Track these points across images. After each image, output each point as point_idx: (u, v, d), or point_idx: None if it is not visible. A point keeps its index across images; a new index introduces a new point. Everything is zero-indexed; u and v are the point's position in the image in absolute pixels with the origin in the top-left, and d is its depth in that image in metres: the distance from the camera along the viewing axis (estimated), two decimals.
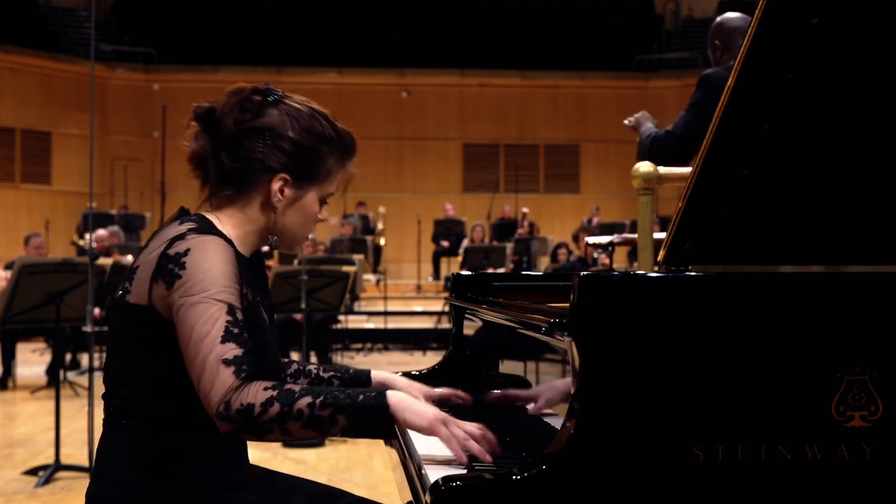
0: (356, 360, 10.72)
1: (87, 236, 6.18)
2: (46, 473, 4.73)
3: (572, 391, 1.46)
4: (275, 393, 1.58)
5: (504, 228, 15.94)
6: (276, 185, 1.79)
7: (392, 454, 2.08)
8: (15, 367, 8.64)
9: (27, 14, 18.21)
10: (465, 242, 14.89)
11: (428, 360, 10.76)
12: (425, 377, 2.51)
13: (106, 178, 17.37)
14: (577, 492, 1.39)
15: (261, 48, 18.52)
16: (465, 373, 2.50)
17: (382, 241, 16.10)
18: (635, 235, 3.10)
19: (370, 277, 14.15)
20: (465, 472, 1.50)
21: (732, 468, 1.42)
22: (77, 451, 5.29)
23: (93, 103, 4.75)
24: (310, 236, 11.07)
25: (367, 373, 2.12)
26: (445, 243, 15.65)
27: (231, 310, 1.64)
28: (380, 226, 16.32)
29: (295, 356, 9.07)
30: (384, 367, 10.31)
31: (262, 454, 5.20)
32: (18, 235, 12.70)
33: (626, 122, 3.75)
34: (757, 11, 1.45)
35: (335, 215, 16.55)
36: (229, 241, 1.73)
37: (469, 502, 1.39)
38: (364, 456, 5.39)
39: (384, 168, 18.55)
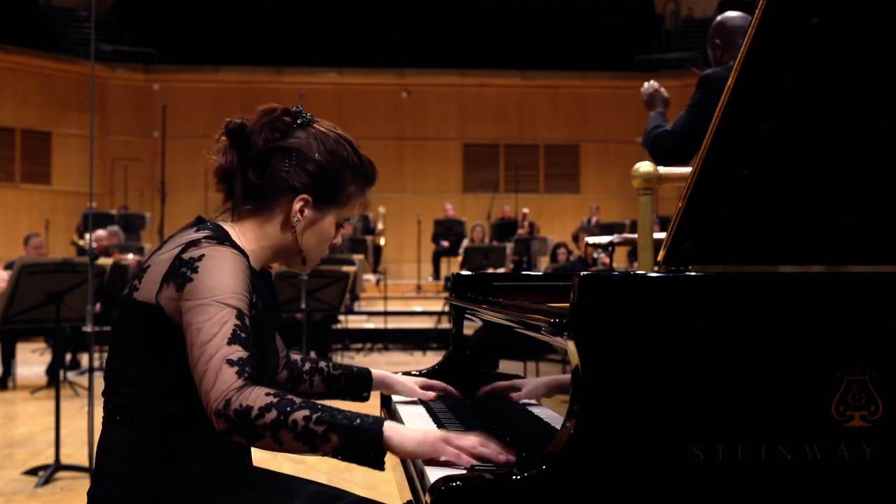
0: (356, 360, 10.72)
1: (87, 236, 6.19)
2: (46, 473, 4.73)
3: (572, 391, 1.46)
4: (275, 400, 1.58)
5: (504, 228, 15.94)
6: (297, 205, 1.82)
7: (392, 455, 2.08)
8: (15, 367, 8.64)
9: (27, 14, 18.21)
10: (465, 242, 14.89)
11: (428, 360, 10.76)
12: (425, 377, 2.51)
13: (106, 178, 17.37)
14: (577, 492, 1.40)
15: (261, 48, 18.52)
16: (465, 373, 2.50)
17: (382, 241, 16.10)
18: (635, 235, 3.10)
19: (370, 277, 14.15)
20: (465, 472, 1.50)
21: (732, 468, 1.42)
22: (77, 451, 5.29)
23: (93, 103, 4.75)
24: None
25: (368, 371, 2.20)
26: (445, 243, 15.66)
27: (240, 315, 1.64)
28: (380, 226, 16.32)
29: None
30: (384, 367, 10.29)
31: (262, 454, 5.19)
32: (18, 235, 12.71)
33: (642, 87, 3.74)
34: (757, 11, 1.45)
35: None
36: (243, 253, 1.74)
37: (469, 502, 1.39)
38: None
39: (384, 168, 18.39)
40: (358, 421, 1.58)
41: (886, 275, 1.54)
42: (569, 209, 18.35)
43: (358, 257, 11.48)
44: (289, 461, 5.16)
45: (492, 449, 1.59)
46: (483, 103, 18.93)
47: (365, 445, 1.58)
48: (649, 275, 1.48)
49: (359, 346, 11.93)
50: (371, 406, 2.17)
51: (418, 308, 13.94)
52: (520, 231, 15.37)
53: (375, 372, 2.22)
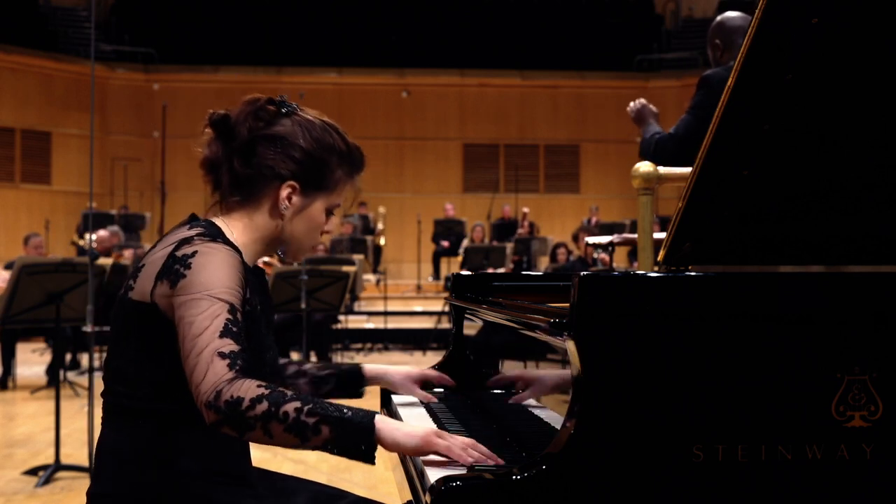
0: (356, 360, 10.71)
1: (87, 236, 6.18)
2: (46, 473, 4.73)
3: (572, 391, 1.46)
4: (266, 391, 1.57)
5: (504, 228, 15.94)
6: (284, 192, 1.81)
7: (392, 454, 2.08)
8: (15, 367, 8.64)
9: (27, 14, 18.21)
10: (465, 242, 14.89)
11: (428, 360, 10.76)
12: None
13: (106, 178, 17.37)
14: (577, 492, 1.40)
15: (261, 48, 18.52)
16: (465, 373, 2.49)
17: (382, 241, 16.10)
18: (635, 235, 3.09)
19: (370, 277, 14.15)
20: (464, 472, 1.50)
21: (732, 468, 1.42)
22: (77, 451, 5.29)
23: (93, 103, 4.75)
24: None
25: (358, 366, 2.19)
26: (445, 243, 15.66)
27: (232, 309, 1.65)
28: (380, 226, 16.32)
29: (295, 356, 9.08)
30: None
31: (262, 454, 5.20)
32: (18, 235, 12.70)
33: (629, 107, 3.73)
34: (757, 11, 1.45)
35: (335, 215, 16.55)
36: (236, 250, 1.74)
37: (469, 502, 1.39)
38: None
39: (384, 168, 18.55)
40: (349, 413, 1.58)
41: (886, 275, 1.54)
42: (569, 209, 18.35)
43: (358, 257, 11.48)
44: (289, 461, 5.16)
45: (479, 457, 1.59)
46: (483, 103, 18.93)
47: (356, 438, 1.57)
48: (649, 275, 1.48)
49: (359, 346, 11.92)
50: (371, 405, 2.17)
51: (418, 308, 13.94)
52: (520, 231, 15.36)
53: (367, 366, 2.20)
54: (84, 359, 9.62)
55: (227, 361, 1.59)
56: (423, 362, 10.30)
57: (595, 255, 10.75)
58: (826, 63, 1.52)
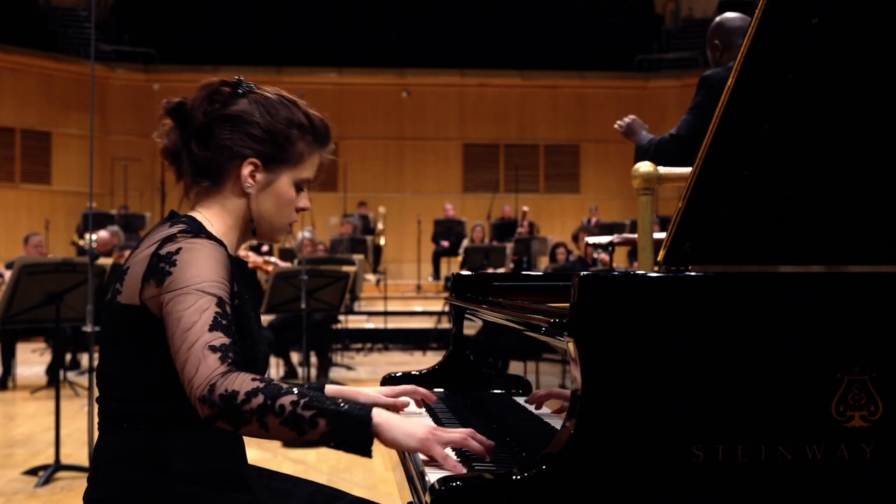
0: (356, 360, 10.72)
1: (87, 236, 6.18)
2: (46, 473, 4.73)
3: (572, 391, 1.46)
4: (261, 385, 1.57)
5: (504, 228, 15.93)
6: (246, 170, 1.80)
7: (392, 454, 2.08)
8: (15, 367, 8.64)
9: (27, 14, 18.21)
10: (465, 242, 14.88)
11: (428, 360, 10.76)
12: (425, 377, 2.51)
13: (106, 178, 17.36)
14: (577, 492, 1.40)
15: (261, 48, 18.52)
16: (465, 373, 2.50)
17: (382, 241, 16.10)
18: (635, 235, 3.10)
19: (370, 277, 14.14)
20: (465, 472, 1.50)
21: (732, 468, 1.42)
22: (77, 451, 5.29)
23: (93, 103, 4.75)
24: (309, 234, 10.86)
25: (322, 385, 2.03)
26: (445, 243, 15.65)
27: (220, 302, 1.64)
28: (380, 226, 16.32)
29: (295, 356, 9.07)
30: (384, 367, 10.27)
31: (262, 454, 5.20)
32: (18, 235, 12.70)
33: (616, 125, 3.75)
34: (757, 11, 1.45)
35: (335, 215, 16.57)
36: (220, 243, 1.73)
37: (469, 502, 1.39)
38: None
39: (384, 168, 18.55)
40: (346, 406, 1.58)
41: (886, 275, 1.54)
42: (569, 209, 18.34)
43: (358, 257, 11.47)
44: (289, 461, 5.16)
45: (478, 448, 1.61)
46: (483, 103, 18.93)
47: (353, 431, 1.57)
48: (649, 275, 1.48)
49: (359, 346, 11.92)
50: None
51: (418, 308, 13.94)
52: (519, 230, 15.35)
53: (330, 387, 2.06)
54: (84, 359, 9.61)
55: (219, 355, 1.58)
56: (423, 362, 10.30)
57: (595, 255, 10.74)
58: (826, 63, 1.52)
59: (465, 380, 2.47)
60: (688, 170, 2.13)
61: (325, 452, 5.50)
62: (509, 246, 12.88)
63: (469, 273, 2.65)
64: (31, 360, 10.26)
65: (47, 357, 9.53)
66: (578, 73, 18.87)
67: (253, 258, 8.31)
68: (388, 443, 1.60)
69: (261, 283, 8.48)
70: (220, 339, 1.60)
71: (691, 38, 18.47)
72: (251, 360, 1.72)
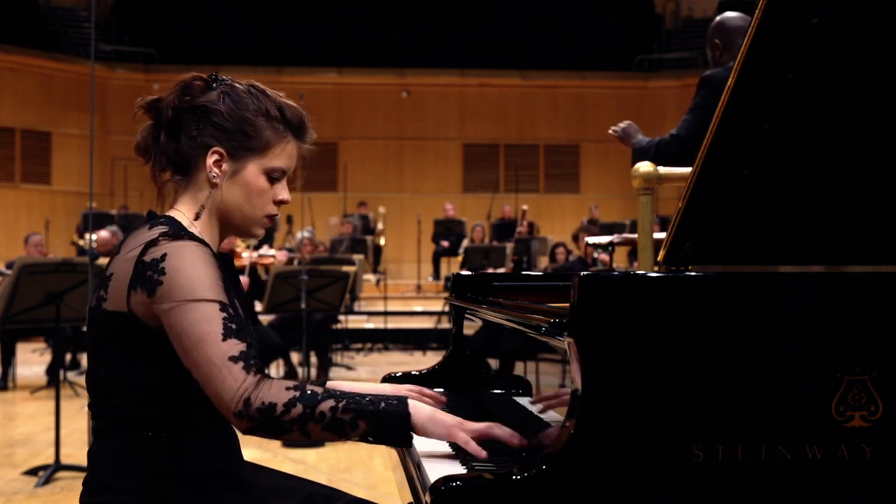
0: (356, 360, 10.72)
1: (87, 236, 6.18)
2: (46, 473, 4.73)
3: (572, 391, 1.46)
4: (297, 393, 1.58)
5: (504, 228, 15.93)
6: (210, 160, 1.77)
7: (392, 454, 2.08)
8: (15, 367, 8.64)
9: (27, 14, 18.21)
10: (465, 242, 14.88)
11: (428, 360, 10.76)
12: (425, 377, 2.51)
13: (106, 178, 17.37)
14: (577, 492, 1.39)
15: (261, 48, 18.52)
16: (465, 373, 2.50)
17: (382, 241, 16.10)
18: (635, 235, 3.10)
19: (370, 277, 14.14)
20: (465, 471, 1.50)
21: (732, 468, 1.42)
22: (77, 451, 5.28)
23: (93, 103, 4.75)
24: (308, 234, 10.82)
25: (323, 384, 2.05)
26: (445, 243, 15.65)
27: (224, 306, 1.63)
28: (380, 226, 16.32)
29: (295, 356, 9.07)
30: (384, 367, 10.26)
31: (262, 454, 5.20)
32: (18, 235, 12.71)
33: (611, 130, 3.74)
34: (757, 11, 1.45)
35: (335, 215, 16.57)
36: (202, 241, 1.71)
37: (469, 502, 1.39)
38: (364, 456, 5.39)
39: (384, 168, 18.55)
40: (383, 405, 1.61)
41: (886, 275, 1.54)
42: (569, 209, 18.35)
43: (358, 257, 11.47)
44: (289, 461, 5.16)
45: (504, 431, 1.65)
46: (483, 103, 18.93)
47: (394, 427, 1.61)
48: (649, 275, 1.48)
49: (359, 346, 11.92)
50: None
51: (418, 308, 13.94)
52: (519, 229, 15.35)
53: (333, 383, 2.05)
54: (84, 359, 9.61)
55: (242, 364, 1.58)
56: (423, 362, 10.30)
57: (595, 255, 10.75)
58: (826, 63, 1.52)
59: (465, 380, 2.47)
60: (688, 170, 2.13)
61: (325, 452, 5.50)
62: (509, 246, 12.88)
63: (469, 273, 2.65)
64: (31, 360, 10.26)
65: (47, 357, 9.54)
66: (578, 73, 18.87)
67: (248, 256, 8.30)
68: (419, 432, 1.64)
69: (260, 278, 8.48)
70: (236, 346, 1.59)
71: (691, 38, 18.47)
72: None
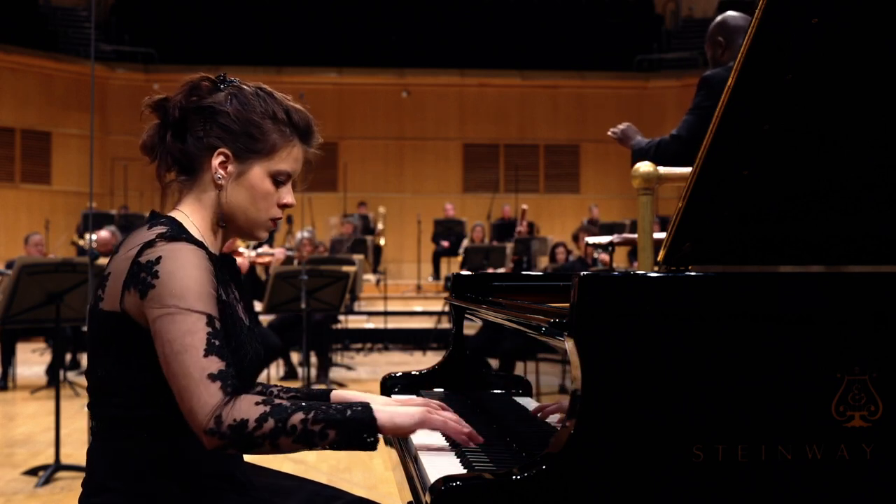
0: (356, 360, 10.72)
1: (87, 236, 6.18)
2: (46, 473, 4.73)
3: (571, 391, 1.46)
4: (267, 408, 1.58)
5: (504, 228, 15.93)
6: (216, 161, 1.77)
7: (392, 454, 2.08)
8: (15, 367, 8.64)
9: (27, 14, 18.21)
10: (465, 242, 14.88)
11: (428, 360, 10.76)
12: (425, 377, 2.51)
13: (106, 178, 17.37)
14: (577, 492, 1.39)
15: (261, 48, 18.52)
16: (466, 373, 2.50)
17: (382, 241, 16.09)
18: (635, 235, 3.10)
19: (370, 277, 14.14)
20: (465, 472, 1.50)
21: (732, 468, 1.42)
22: (77, 451, 5.28)
23: (93, 103, 4.75)
24: (308, 234, 10.83)
25: (328, 392, 2.03)
26: (445, 243, 15.65)
27: (210, 320, 1.62)
28: (380, 226, 16.32)
29: (295, 356, 9.07)
30: (384, 367, 10.26)
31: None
32: (18, 235, 12.71)
33: (610, 132, 3.74)
34: (757, 11, 1.45)
35: (335, 215, 16.57)
36: (200, 244, 1.70)
37: (469, 502, 1.39)
38: (364, 456, 5.39)
39: (384, 168, 18.55)
40: (349, 412, 1.63)
41: (886, 275, 1.54)
42: (569, 209, 18.35)
43: (358, 257, 11.47)
44: (289, 461, 5.16)
45: (468, 431, 1.72)
46: (483, 103, 18.93)
47: (360, 433, 1.63)
48: (649, 275, 1.48)
49: (359, 346, 11.92)
50: None
51: (418, 308, 13.94)
52: (518, 228, 15.35)
53: (336, 392, 2.03)
54: (84, 359, 9.61)
55: (219, 384, 1.58)
56: (423, 362, 10.30)
57: (595, 255, 10.75)
58: (826, 63, 1.52)
59: (465, 380, 2.47)
60: (688, 170, 2.13)
61: (325, 452, 5.50)
62: (509, 246, 12.88)
63: (469, 273, 2.65)
64: (31, 360, 10.26)
65: (47, 357, 9.54)
66: (578, 73, 18.87)
67: (247, 256, 8.29)
68: (391, 431, 1.66)
69: (260, 278, 8.47)
70: (216, 364, 1.59)
71: (691, 38, 18.46)
72: (236, 364, 1.70)
